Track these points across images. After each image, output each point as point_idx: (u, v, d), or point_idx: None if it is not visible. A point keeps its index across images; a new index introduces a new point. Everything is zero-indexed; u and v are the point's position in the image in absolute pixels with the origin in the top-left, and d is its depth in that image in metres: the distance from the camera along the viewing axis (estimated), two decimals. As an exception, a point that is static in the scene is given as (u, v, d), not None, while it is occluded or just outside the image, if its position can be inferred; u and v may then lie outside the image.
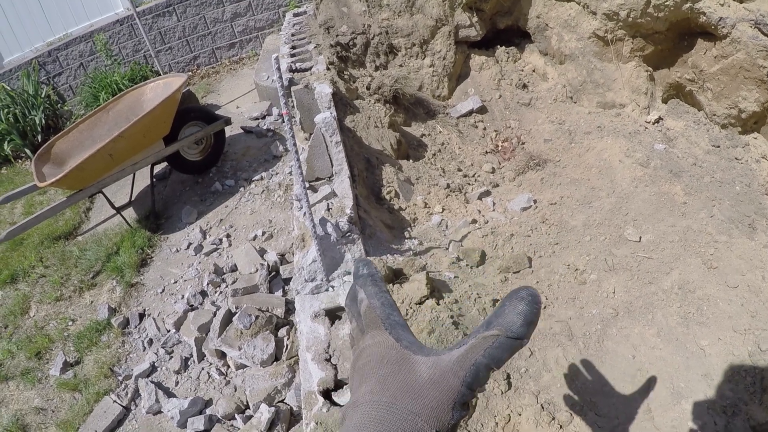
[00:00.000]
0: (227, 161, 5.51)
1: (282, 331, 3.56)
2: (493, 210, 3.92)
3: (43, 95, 6.71)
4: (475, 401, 0.70)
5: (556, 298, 3.09)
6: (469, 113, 4.77)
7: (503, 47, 5.18)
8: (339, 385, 2.46)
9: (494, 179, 4.33)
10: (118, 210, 4.97)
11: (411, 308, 2.63)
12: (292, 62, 4.25)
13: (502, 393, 2.48)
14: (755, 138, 4.22)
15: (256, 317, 3.50)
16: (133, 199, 5.24)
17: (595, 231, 3.61)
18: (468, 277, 3.13)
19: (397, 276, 2.78)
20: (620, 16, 4.34)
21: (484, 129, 4.76)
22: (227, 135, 5.65)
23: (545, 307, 3.03)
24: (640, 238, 3.50)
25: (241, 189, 5.09)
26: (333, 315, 2.75)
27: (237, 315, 3.50)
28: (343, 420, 0.69)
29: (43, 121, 6.64)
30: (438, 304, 2.66)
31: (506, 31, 5.23)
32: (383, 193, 3.54)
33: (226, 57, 7.37)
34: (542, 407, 2.45)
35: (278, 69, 2.46)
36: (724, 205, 3.64)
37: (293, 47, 4.62)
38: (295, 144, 2.67)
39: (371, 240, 2.99)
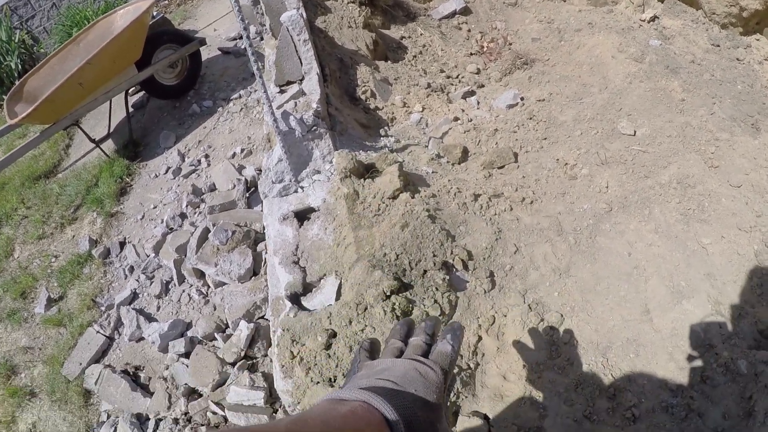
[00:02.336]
0: (205, 83, 5.07)
1: (261, 246, 3.25)
2: (478, 108, 3.53)
3: (17, 40, 6.22)
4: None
5: (544, 193, 2.73)
6: (452, 15, 4.29)
7: (488, -56, 4.64)
8: (308, 288, 2.15)
9: (479, 80, 3.91)
10: (96, 143, 4.60)
11: (383, 202, 2.28)
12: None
13: (485, 292, 2.16)
14: (758, 40, 3.78)
15: (233, 232, 3.18)
16: (111, 131, 4.85)
17: (587, 126, 3.23)
18: (448, 173, 2.78)
19: (368, 170, 2.42)
20: None
21: (469, 31, 4.29)
22: (204, 58, 5.19)
23: (532, 202, 2.68)
24: (635, 132, 3.12)
25: (219, 109, 4.67)
26: (302, 217, 2.42)
27: (213, 231, 3.19)
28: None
29: (20, 66, 6.15)
30: (413, 197, 2.31)
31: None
32: (358, 93, 3.14)
33: (202, -18, 6.81)
34: (530, 307, 2.13)
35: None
36: (725, 103, 3.21)
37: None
38: (249, 38, 2.27)
39: (342, 137, 2.62)
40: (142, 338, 3.25)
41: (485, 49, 4.14)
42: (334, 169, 2.44)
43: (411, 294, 1.97)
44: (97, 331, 3.39)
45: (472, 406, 1.86)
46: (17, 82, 4.59)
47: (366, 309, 1.90)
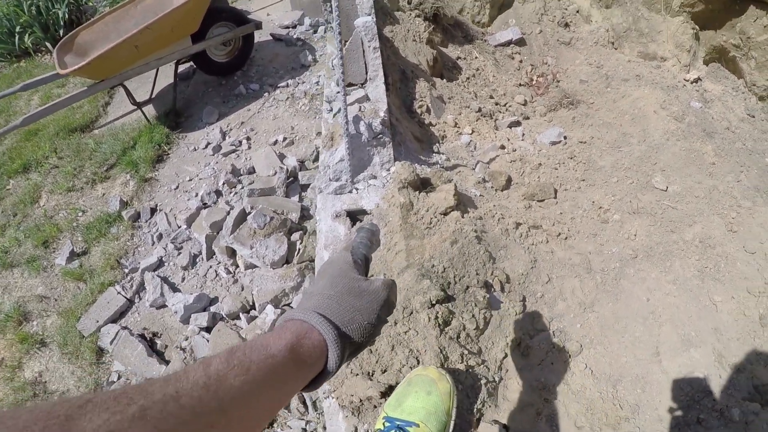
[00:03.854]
0: (253, 66, 5.33)
1: (295, 236, 3.49)
2: (522, 139, 3.80)
3: None
4: (393, 309, 1.03)
5: (578, 231, 3.02)
6: (508, 43, 4.57)
7: (549, -19, 4.94)
8: (355, 283, 2.39)
9: (525, 111, 4.19)
10: (139, 105, 4.84)
11: (436, 217, 2.56)
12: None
13: (516, 314, 2.43)
14: (791, 115, 4.08)
15: (271, 218, 3.43)
16: (153, 96, 5.11)
17: (623, 174, 3.52)
18: (492, 198, 3.05)
19: (424, 185, 2.69)
20: (678, -35, 4.12)
21: (521, 61, 4.57)
22: (256, 41, 5.45)
23: (566, 238, 2.95)
24: (667, 187, 3.41)
25: (266, 94, 4.94)
26: (353, 217, 2.67)
27: (252, 214, 3.43)
28: (299, 303, 0.94)
29: (66, 16, 6.41)
30: (462, 217, 2.58)
31: (555, -36, 4.98)
32: (415, 107, 3.41)
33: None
34: (553, 334, 2.41)
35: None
36: (751, 172, 3.53)
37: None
38: (341, 42, 2.53)
39: (400, 147, 2.88)
40: (164, 306, 3.46)
41: (534, 82, 4.41)
42: (391, 177, 2.70)
43: (452, 306, 2.23)
44: (118, 292, 3.60)
45: (494, 415, 2.11)
46: (68, 34, 4.80)
47: (411, 313, 2.15)
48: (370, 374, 2.12)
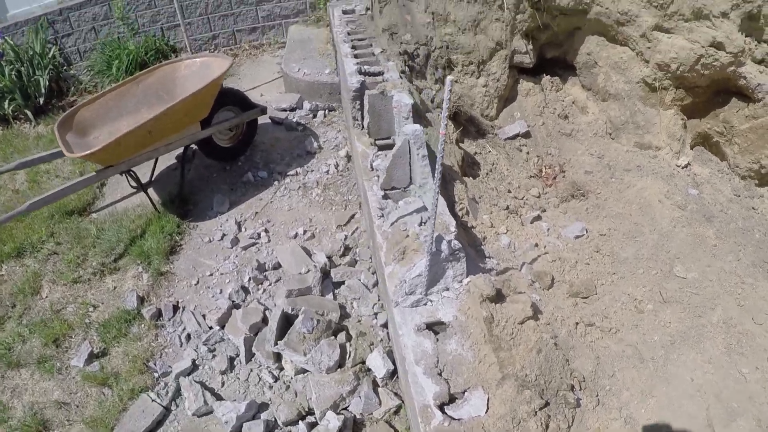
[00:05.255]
0: (257, 151, 5.53)
1: (340, 337, 3.65)
2: (548, 235, 4.16)
3: (50, 55, 6.50)
4: None
5: (623, 324, 3.51)
6: (515, 136, 5.00)
7: (548, 76, 5.46)
8: (452, 399, 2.61)
9: (541, 203, 4.58)
10: (144, 189, 4.88)
11: (515, 327, 2.87)
12: (359, 64, 4.35)
13: (593, 408, 2.79)
14: (769, 191, 4.70)
15: (317, 321, 3.59)
16: (153, 178, 5.17)
17: (645, 264, 4.01)
18: (547, 299, 3.40)
19: (499, 296, 2.96)
20: (671, 68, 4.74)
21: (527, 153, 5.00)
22: (255, 123, 5.65)
23: (616, 332, 3.41)
24: (687, 275, 3.89)
25: (275, 182, 5.13)
26: (431, 328, 2.89)
27: (301, 319, 3.58)
28: None
29: (47, 83, 6.45)
30: (537, 324, 2.89)
31: (552, 61, 5.51)
32: (456, 209, 3.70)
33: (246, 41, 7.34)
34: (625, 421, 2.82)
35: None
36: (747, 250, 4.18)
37: (354, 47, 4.72)
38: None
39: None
40: (208, 414, 3.48)
41: (543, 173, 4.83)
42: (464, 289, 2.96)
43: (548, 410, 2.53)
44: (153, 399, 3.59)
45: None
46: (69, 110, 4.85)
47: (520, 422, 2.41)
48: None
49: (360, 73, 4.22)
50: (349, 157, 5.32)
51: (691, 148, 5.21)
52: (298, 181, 5.10)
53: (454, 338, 2.79)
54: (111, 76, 6.38)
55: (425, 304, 2.96)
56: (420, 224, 3.19)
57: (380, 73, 4.25)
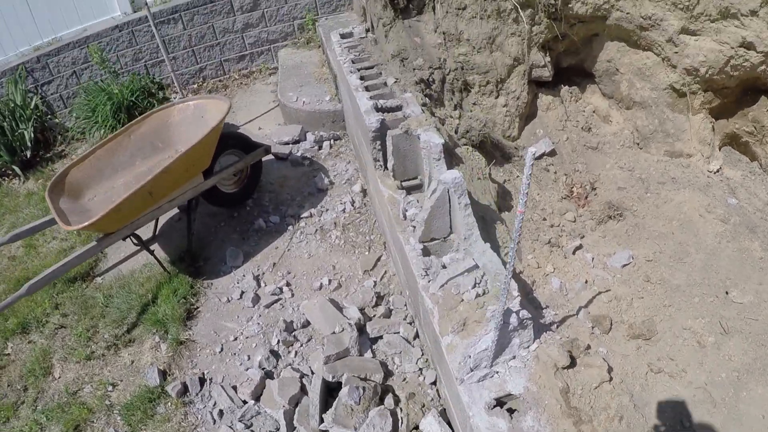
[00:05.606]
0: (264, 193, 5.25)
1: (388, 400, 3.42)
2: (593, 266, 3.95)
3: (32, 106, 6.20)
4: None
5: (688, 364, 3.34)
6: (541, 156, 4.77)
7: (566, 86, 5.22)
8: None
9: (577, 228, 4.36)
10: (148, 248, 4.59)
11: (592, 393, 2.68)
12: (374, 99, 4.09)
13: None
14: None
15: (364, 389, 3.35)
16: (156, 233, 4.88)
17: (699, 291, 3.84)
18: (609, 344, 3.21)
19: (572, 361, 2.74)
20: (699, 72, 4.54)
21: (555, 173, 4.78)
22: (258, 162, 5.38)
23: (684, 373, 3.25)
24: (744, 300, 3.69)
25: (290, 227, 4.86)
26: (501, 402, 2.66)
27: (346, 390, 3.33)
28: None
29: (32, 135, 6.16)
30: (612, 386, 2.71)
31: (568, 70, 5.28)
32: (502, 255, 3.46)
33: (234, 70, 7.03)
34: None
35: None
36: None
37: (362, 78, 4.45)
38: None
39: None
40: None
41: (574, 194, 4.60)
42: (533, 356, 2.72)
43: None
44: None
45: None
46: (59, 173, 4.56)
47: None
48: None
49: (377, 109, 3.95)
50: (364, 192, 5.06)
51: (720, 149, 5.02)
52: (314, 224, 4.84)
53: (529, 414, 2.56)
54: (97, 124, 6.07)
55: (492, 377, 2.72)
56: (474, 286, 2.94)
57: (398, 108, 3.99)
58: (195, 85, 6.93)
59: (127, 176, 4.81)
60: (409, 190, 3.83)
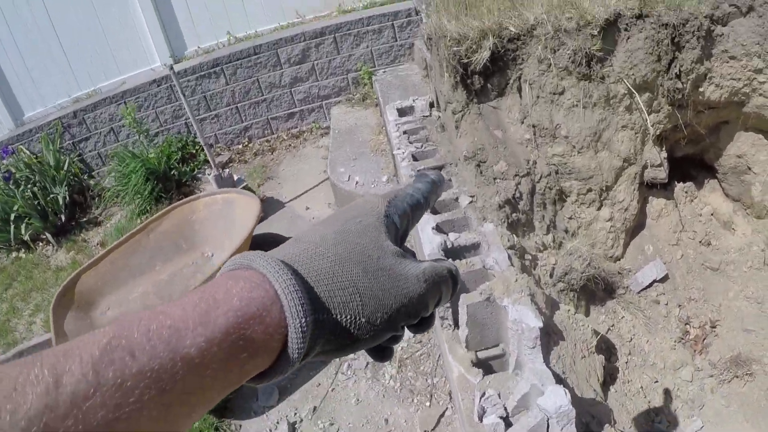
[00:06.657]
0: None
1: None
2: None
3: (65, 167, 5.64)
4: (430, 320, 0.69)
5: None
6: (651, 284, 3.77)
7: (680, 183, 4.13)
8: None
9: (695, 393, 3.36)
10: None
11: None
12: (440, 229, 3.19)
13: None
14: None
15: None
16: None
17: None
18: None
19: None
20: None
21: (666, 304, 3.76)
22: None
23: None
24: None
25: (335, 360, 4.01)
26: None
27: None
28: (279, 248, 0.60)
29: (67, 198, 5.64)
30: None
31: (682, 161, 4.21)
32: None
33: (283, 129, 6.22)
34: None
35: None
36: None
37: (428, 190, 3.55)
38: None
39: None
40: None
41: (690, 335, 3.60)
42: None
43: None
44: None
45: None
46: (66, 281, 3.88)
47: None
48: None
49: (446, 250, 3.05)
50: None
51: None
52: (365, 357, 3.98)
53: None
54: (129, 193, 5.40)
55: None
56: None
57: (475, 247, 3.07)
58: (240, 146, 6.17)
59: (146, 284, 4.13)
60: (487, 365, 2.92)
